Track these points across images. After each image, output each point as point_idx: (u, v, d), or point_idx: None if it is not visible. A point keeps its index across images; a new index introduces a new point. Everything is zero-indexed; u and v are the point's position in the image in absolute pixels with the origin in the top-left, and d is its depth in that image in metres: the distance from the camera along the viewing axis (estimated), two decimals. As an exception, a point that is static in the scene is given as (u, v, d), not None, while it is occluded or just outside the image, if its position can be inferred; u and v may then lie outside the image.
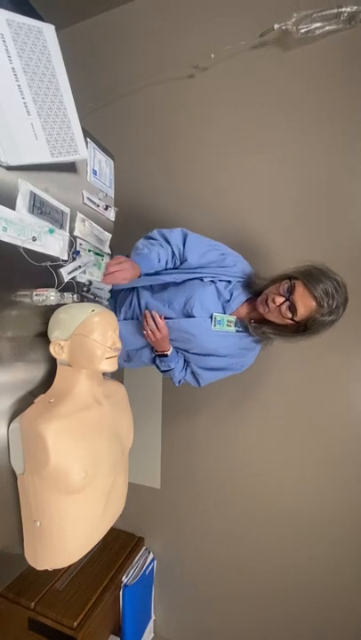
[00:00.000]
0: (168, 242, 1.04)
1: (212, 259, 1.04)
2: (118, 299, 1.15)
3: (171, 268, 1.07)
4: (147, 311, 1.03)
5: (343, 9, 1.28)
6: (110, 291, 1.10)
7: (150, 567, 1.64)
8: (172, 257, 1.05)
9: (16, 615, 1.37)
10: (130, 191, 1.64)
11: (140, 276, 0.97)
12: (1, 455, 0.75)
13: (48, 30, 0.79)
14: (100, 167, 1.07)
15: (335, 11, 1.29)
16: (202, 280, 1.04)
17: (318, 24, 1.32)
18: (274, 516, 1.46)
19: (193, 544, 1.63)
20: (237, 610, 1.55)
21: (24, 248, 0.78)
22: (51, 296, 0.81)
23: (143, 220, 1.68)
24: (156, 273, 1.05)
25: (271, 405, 1.45)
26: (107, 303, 1.08)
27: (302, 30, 1.34)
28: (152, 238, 1.06)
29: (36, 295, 0.81)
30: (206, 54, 1.53)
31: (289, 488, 1.43)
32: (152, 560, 1.66)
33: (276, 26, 1.37)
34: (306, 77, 1.40)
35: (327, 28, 1.32)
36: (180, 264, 1.06)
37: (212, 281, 1.04)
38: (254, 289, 1.05)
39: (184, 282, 1.06)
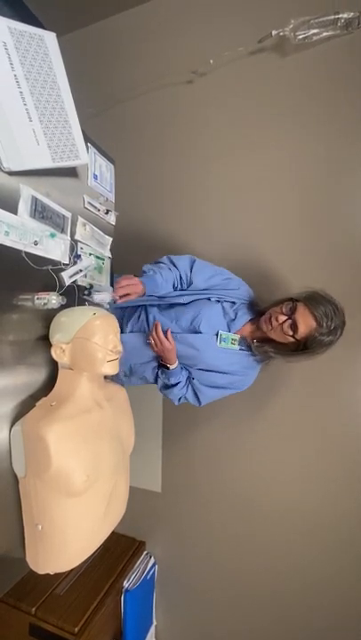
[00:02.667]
0: (176, 267, 1.11)
1: (217, 282, 1.12)
2: (126, 313, 1.18)
3: (178, 290, 1.13)
4: (158, 321, 1.06)
5: (340, 15, 1.30)
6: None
7: (152, 572, 1.63)
8: (180, 280, 1.11)
9: (17, 621, 1.36)
10: (130, 195, 1.65)
11: (143, 295, 1.03)
12: (2, 458, 0.75)
13: (49, 38, 0.80)
14: (100, 172, 1.08)
15: (332, 17, 1.31)
16: (209, 299, 1.11)
17: (316, 30, 1.34)
18: (276, 519, 1.45)
19: (195, 548, 1.62)
20: (240, 615, 1.53)
21: (26, 252, 0.79)
22: (52, 299, 0.81)
23: (143, 224, 1.69)
24: (164, 296, 1.11)
25: (272, 407, 1.45)
26: (107, 307, 1.09)
27: (300, 36, 1.36)
28: (160, 262, 1.13)
29: (38, 299, 0.81)
30: (205, 60, 1.55)
31: (291, 492, 1.42)
32: (153, 565, 1.65)
33: (273, 32, 1.39)
34: (304, 83, 1.42)
35: (324, 34, 1.34)
36: (188, 287, 1.12)
37: (219, 300, 1.11)
38: (257, 310, 1.11)
39: (191, 302, 1.11)
